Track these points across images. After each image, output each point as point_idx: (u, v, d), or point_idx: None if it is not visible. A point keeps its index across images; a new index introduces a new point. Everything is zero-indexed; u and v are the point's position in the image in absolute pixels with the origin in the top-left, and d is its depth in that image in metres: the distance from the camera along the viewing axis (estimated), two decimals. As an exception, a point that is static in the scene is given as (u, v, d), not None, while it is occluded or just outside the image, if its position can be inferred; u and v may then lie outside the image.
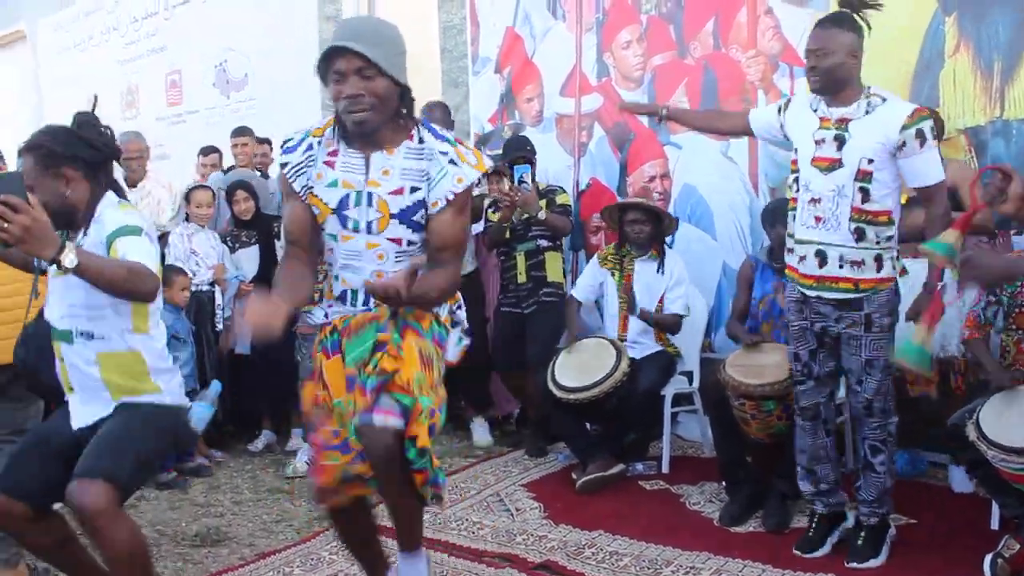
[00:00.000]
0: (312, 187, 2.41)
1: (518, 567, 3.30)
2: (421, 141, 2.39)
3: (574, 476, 4.19)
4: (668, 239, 4.67)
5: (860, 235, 3.08)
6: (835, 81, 3.10)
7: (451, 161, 2.36)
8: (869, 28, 3.17)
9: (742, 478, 3.79)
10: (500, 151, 5.14)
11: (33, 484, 2.50)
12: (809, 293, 3.21)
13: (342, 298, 2.47)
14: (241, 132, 6.08)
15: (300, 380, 4.53)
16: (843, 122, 3.10)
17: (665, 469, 4.39)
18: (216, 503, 4.16)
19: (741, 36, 4.83)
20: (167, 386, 2.66)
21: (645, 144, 5.22)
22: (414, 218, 2.38)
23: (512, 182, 4.72)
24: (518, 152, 4.89)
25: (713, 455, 4.28)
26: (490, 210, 4.97)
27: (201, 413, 2.95)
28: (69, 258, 2.19)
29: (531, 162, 4.83)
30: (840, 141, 3.08)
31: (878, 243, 3.09)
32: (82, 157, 2.54)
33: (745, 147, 4.82)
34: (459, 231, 2.42)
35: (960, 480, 3.87)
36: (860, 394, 3.23)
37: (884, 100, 3.11)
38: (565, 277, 5.00)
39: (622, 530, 3.60)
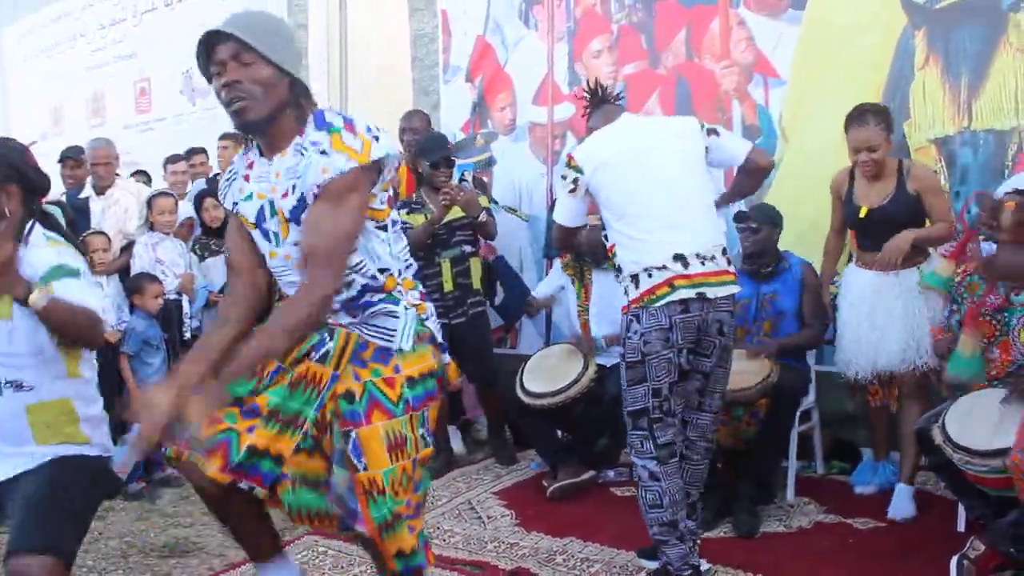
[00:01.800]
0: (236, 203, 2.29)
1: (489, 575, 3.30)
2: (308, 141, 2.18)
3: (545, 483, 4.19)
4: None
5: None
6: None
7: (322, 151, 2.11)
8: None
9: (711, 484, 3.79)
10: (472, 159, 5.13)
11: None
12: None
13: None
14: (226, 136, 6.01)
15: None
16: None
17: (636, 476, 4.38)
18: (185, 513, 4.10)
19: (714, 46, 4.85)
20: (95, 436, 2.46)
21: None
22: (303, 218, 2.17)
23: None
24: (441, 152, 4.61)
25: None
26: (403, 211, 4.53)
27: (120, 456, 2.64)
28: (39, 297, 2.15)
29: (452, 163, 4.69)
30: None
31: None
32: (28, 177, 2.40)
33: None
34: (330, 230, 2.09)
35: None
36: None
37: None
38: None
39: (593, 536, 3.60)
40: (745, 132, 4.74)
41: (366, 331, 2.23)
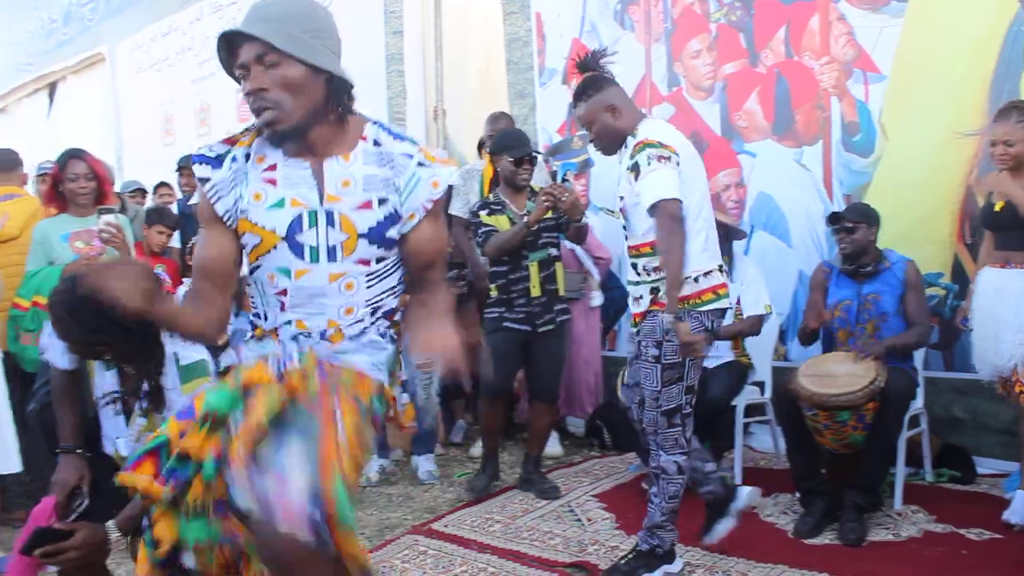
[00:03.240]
0: (246, 211, 1.94)
1: (590, 576, 3.30)
2: (377, 143, 1.97)
3: (644, 485, 4.16)
4: (742, 246, 4.61)
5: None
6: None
7: (419, 164, 1.95)
8: None
9: (816, 490, 3.72)
10: (568, 160, 5.13)
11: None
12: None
13: (295, 340, 1.97)
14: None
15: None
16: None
17: (737, 480, 4.32)
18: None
19: (814, 43, 4.77)
20: None
21: (718, 153, 5.17)
22: (387, 235, 1.96)
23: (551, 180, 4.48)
24: (525, 148, 4.32)
25: (786, 466, 4.21)
26: (483, 212, 4.34)
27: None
28: None
29: (534, 160, 4.44)
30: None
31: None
32: None
33: (819, 154, 4.76)
34: (442, 242, 2.06)
35: None
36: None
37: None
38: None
39: (695, 541, 3.55)
40: (844, 130, 4.66)
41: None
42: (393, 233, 1.96)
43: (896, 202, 4.28)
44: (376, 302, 1.99)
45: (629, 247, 3.22)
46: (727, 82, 5.15)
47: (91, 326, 2.30)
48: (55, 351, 2.66)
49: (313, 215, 1.91)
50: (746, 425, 4.49)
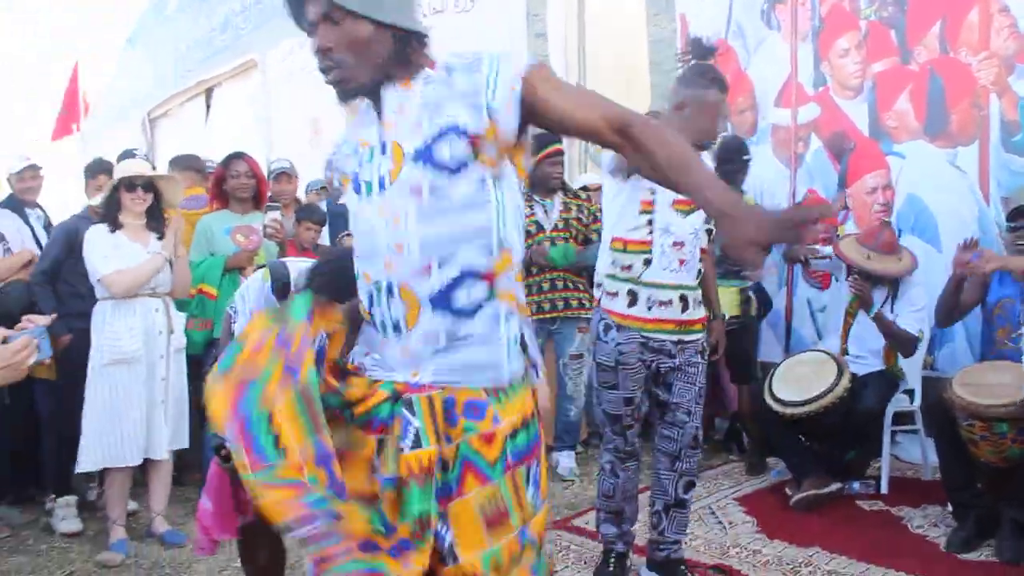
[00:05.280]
0: (338, 166, 1.84)
1: (733, 579, 3.30)
2: (449, 69, 1.69)
3: (788, 492, 4.12)
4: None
5: (699, 275, 3.14)
6: None
7: (491, 57, 1.66)
8: None
9: (971, 503, 3.60)
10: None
11: None
12: (662, 337, 3.10)
13: (369, 305, 1.73)
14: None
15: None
16: None
17: (884, 490, 4.22)
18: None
19: (972, 38, 4.59)
20: None
21: (866, 154, 5.05)
22: (443, 152, 1.64)
23: None
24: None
25: (935, 478, 4.10)
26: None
27: None
28: None
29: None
30: None
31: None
32: None
33: (974, 155, 4.58)
34: (589, 101, 1.66)
35: None
36: (688, 424, 3.16)
37: None
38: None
39: (839, 549, 3.51)
40: (1004, 129, 4.48)
41: (451, 379, 1.67)
42: (455, 150, 1.63)
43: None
44: (439, 246, 1.65)
45: (703, 250, 3.17)
46: (876, 81, 5.02)
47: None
48: (244, 321, 2.70)
49: (371, 150, 1.74)
50: (893, 433, 4.37)
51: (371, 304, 1.71)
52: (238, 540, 2.75)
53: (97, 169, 4.77)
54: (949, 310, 4.00)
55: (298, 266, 2.62)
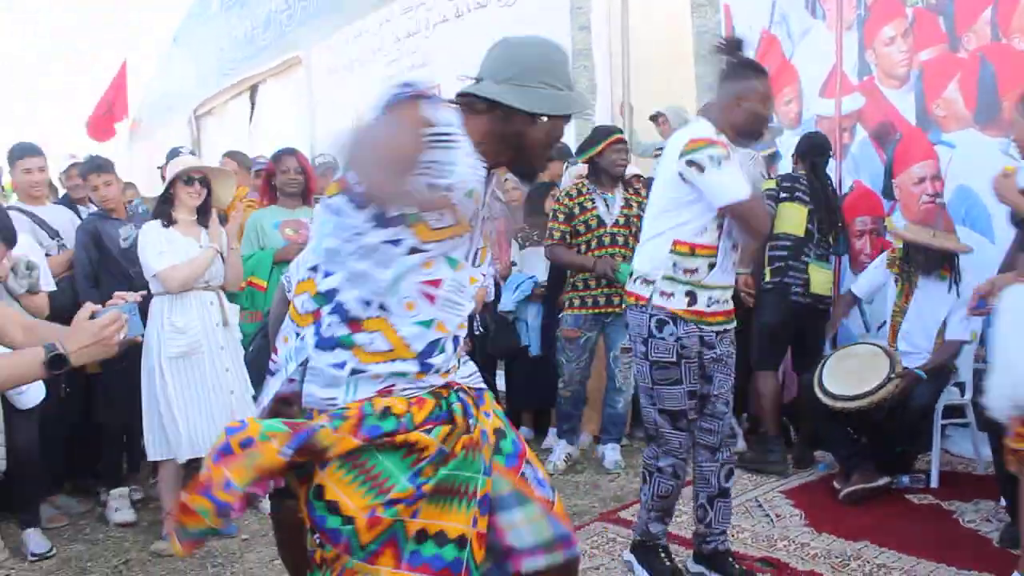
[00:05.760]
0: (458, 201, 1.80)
1: (781, 572, 3.28)
2: None
3: (836, 485, 4.09)
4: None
5: None
6: None
7: None
8: None
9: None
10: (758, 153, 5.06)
11: None
12: (711, 329, 3.11)
13: (432, 351, 1.86)
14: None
15: (561, 378, 4.71)
16: None
17: (934, 484, 4.18)
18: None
19: (1024, 24, 4.51)
20: None
21: (913, 144, 4.98)
22: None
23: None
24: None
25: (987, 472, 4.04)
26: None
27: None
28: None
29: None
30: None
31: None
32: None
33: (1029, 144, 4.49)
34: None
35: None
36: (727, 415, 3.19)
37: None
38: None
39: (889, 543, 3.48)
40: (1060, 118, 4.36)
41: (466, 381, 2.01)
42: None
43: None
44: None
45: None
46: (923, 69, 4.94)
47: None
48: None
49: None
50: (943, 427, 4.32)
51: (434, 350, 1.84)
52: (275, 527, 2.79)
53: (91, 167, 4.47)
54: None
55: None
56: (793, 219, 4.67)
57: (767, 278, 4.69)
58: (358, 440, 1.72)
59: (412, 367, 1.81)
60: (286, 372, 1.82)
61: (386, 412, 1.75)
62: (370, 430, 1.73)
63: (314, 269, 1.84)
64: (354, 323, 1.78)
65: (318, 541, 1.75)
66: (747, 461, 4.61)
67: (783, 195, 4.69)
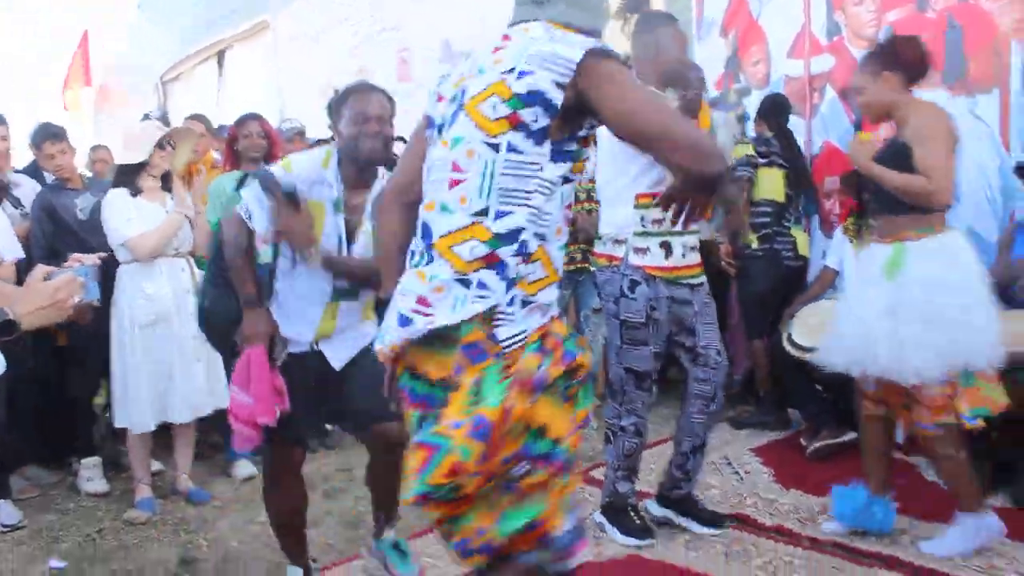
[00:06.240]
0: None
1: (749, 529, 3.33)
2: None
3: (803, 442, 4.15)
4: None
5: None
6: None
7: None
8: None
9: (987, 451, 3.61)
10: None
11: (305, 432, 2.90)
12: (685, 282, 3.19)
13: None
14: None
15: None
16: None
17: (900, 439, 4.23)
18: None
19: (993, -18, 4.51)
20: None
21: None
22: None
23: None
24: None
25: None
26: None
27: None
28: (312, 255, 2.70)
29: None
30: None
31: None
32: None
33: (995, 103, 4.52)
34: None
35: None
36: (722, 363, 3.27)
37: None
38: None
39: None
40: (1025, 78, 4.40)
41: None
42: None
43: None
44: None
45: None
46: (892, 29, 4.95)
47: None
48: (260, 214, 2.70)
49: None
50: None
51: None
52: (265, 475, 2.87)
53: (44, 135, 4.45)
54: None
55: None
56: (773, 184, 4.71)
57: (755, 245, 4.72)
58: (563, 367, 1.76)
59: (557, 290, 1.87)
60: (450, 318, 1.74)
61: (570, 336, 1.82)
62: (567, 355, 1.77)
63: (480, 214, 1.76)
64: (527, 257, 1.78)
65: (523, 470, 1.71)
66: (746, 422, 4.71)
67: (762, 161, 4.72)
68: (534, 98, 1.70)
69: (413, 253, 1.88)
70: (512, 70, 1.73)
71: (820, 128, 5.30)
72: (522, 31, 1.82)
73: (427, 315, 1.75)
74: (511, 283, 1.75)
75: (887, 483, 3.21)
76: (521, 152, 1.74)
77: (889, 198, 3.03)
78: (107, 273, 3.88)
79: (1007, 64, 4.48)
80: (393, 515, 3.06)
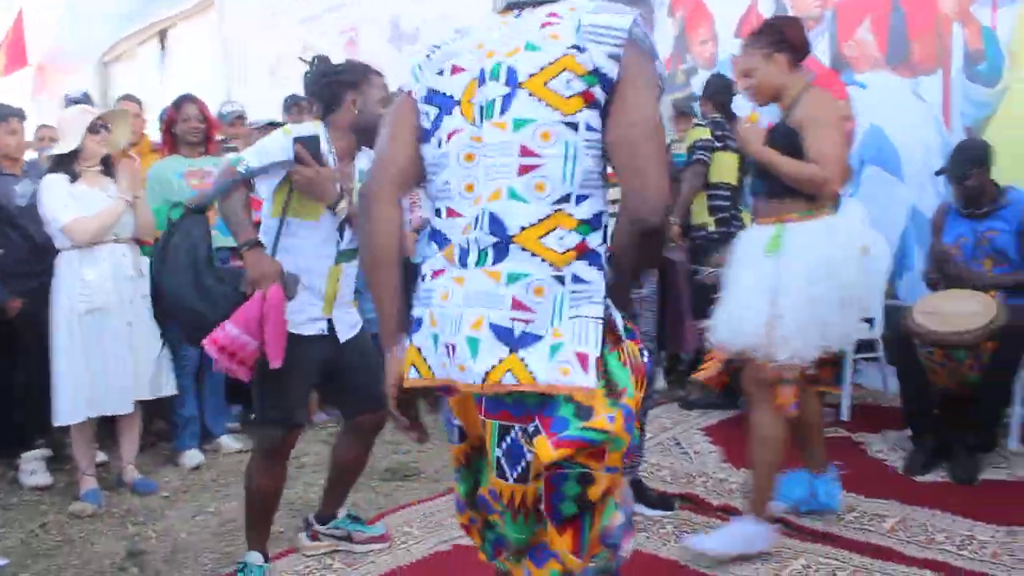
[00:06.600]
0: None
1: (699, 509, 3.37)
2: None
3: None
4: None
5: None
6: None
7: None
8: None
9: (928, 428, 3.69)
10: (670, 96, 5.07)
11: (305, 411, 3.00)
12: None
13: None
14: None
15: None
16: None
17: (845, 416, 4.32)
18: (405, 441, 4.39)
19: (933, -34, 4.57)
20: None
21: (826, 85, 5.02)
22: None
23: None
24: None
25: (894, 404, 4.19)
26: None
27: None
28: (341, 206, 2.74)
29: None
30: None
31: None
32: None
33: (937, 84, 4.60)
34: None
35: None
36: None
37: None
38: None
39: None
40: (967, 58, 4.49)
41: None
42: None
43: (1022, 134, 4.11)
44: None
45: None
46: (836, 10, 5.00)
47: None
48: (261, 165, 2.73)
49: None
50: (854, 362, 4.45)
51: None
52: (261, 454, 2.86)
53: (7, 113, 4.33)
54: (934, 284, 4.01)
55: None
56: (728, 167, 4.74)
57: (712, 227, 4.74)
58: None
59: None
60: (553, 325, 1.58)
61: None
62: (629, 334, 1.72)
63: (562, 200, 1.61)
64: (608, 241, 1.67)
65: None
66: (696, 402, 4.75)
67: (718, 144, 4.75)
68: (596, 75, 1.57)
69: (466, 250, 1.66)
70: (575, 46, 1.58)
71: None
72: (567, 9, 1.65)
73: (526, 320, 1.58)
74: (603, 271, 1.64)
75: (825, 459, 3.21)
76: (595, 131, 1.60)
77: (773, 180, 2.96)
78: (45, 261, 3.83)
79: (949, 46, 4.55)
80: (347, 493, 3.16)
